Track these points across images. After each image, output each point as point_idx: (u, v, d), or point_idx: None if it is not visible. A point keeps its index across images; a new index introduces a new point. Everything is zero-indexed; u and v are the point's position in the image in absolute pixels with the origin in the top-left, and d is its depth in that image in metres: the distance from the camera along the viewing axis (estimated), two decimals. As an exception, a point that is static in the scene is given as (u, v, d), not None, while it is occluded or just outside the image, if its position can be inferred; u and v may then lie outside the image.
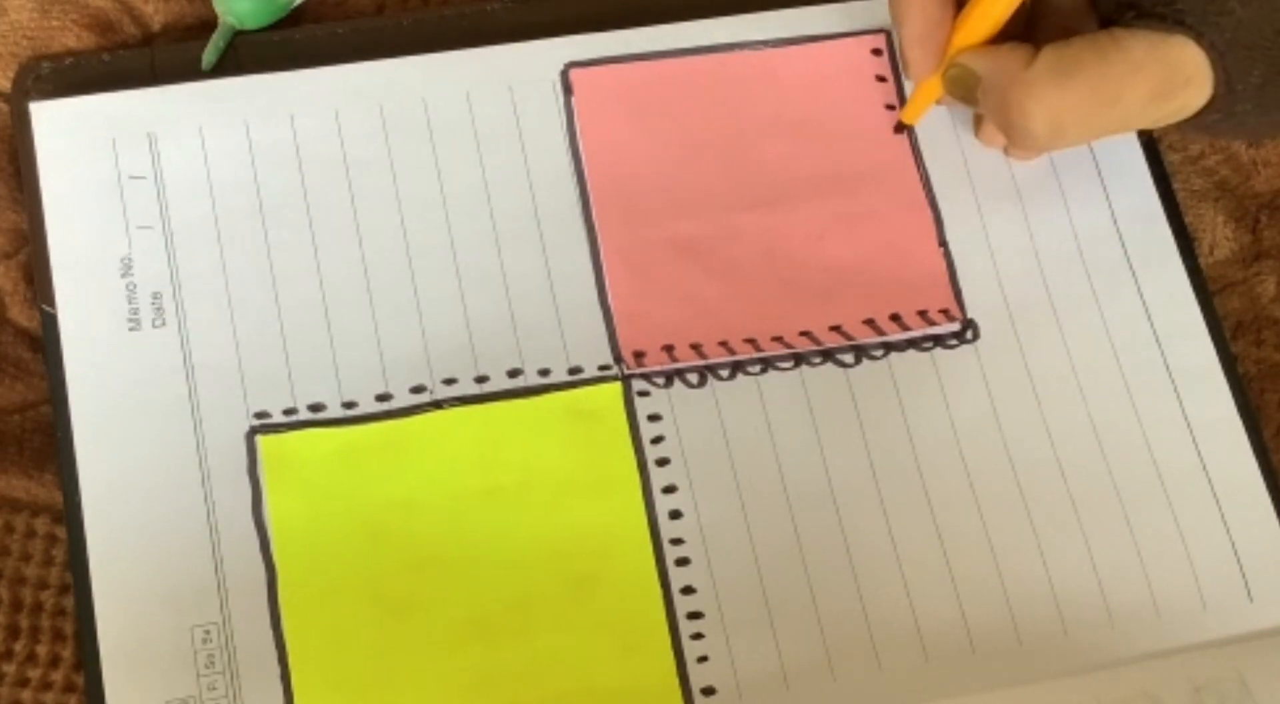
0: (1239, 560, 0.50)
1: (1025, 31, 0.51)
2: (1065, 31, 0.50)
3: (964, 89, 0.50)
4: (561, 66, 0.54)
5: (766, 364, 0.52)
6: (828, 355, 0.52)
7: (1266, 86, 0.47)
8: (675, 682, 0.48)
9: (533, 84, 0.54)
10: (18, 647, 0.48)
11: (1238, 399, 0.52)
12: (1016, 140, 0.49)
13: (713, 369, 0.51)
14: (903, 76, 0.53)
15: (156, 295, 0.50)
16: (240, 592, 0.48)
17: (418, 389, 0.50)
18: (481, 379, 0.51)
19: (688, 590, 0.49)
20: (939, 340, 0.53)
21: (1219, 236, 0.55)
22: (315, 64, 0.54)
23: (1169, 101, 0.47)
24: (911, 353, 0.52)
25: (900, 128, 0.54)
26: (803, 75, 0.55)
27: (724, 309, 0.52)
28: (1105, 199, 0.55)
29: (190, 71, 0.53)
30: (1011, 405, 0.52)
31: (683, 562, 0.49)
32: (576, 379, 0.51)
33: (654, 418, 0.51)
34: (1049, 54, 0.48)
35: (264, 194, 0.52)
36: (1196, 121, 0.48)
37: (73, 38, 0.54)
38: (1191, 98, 0.47)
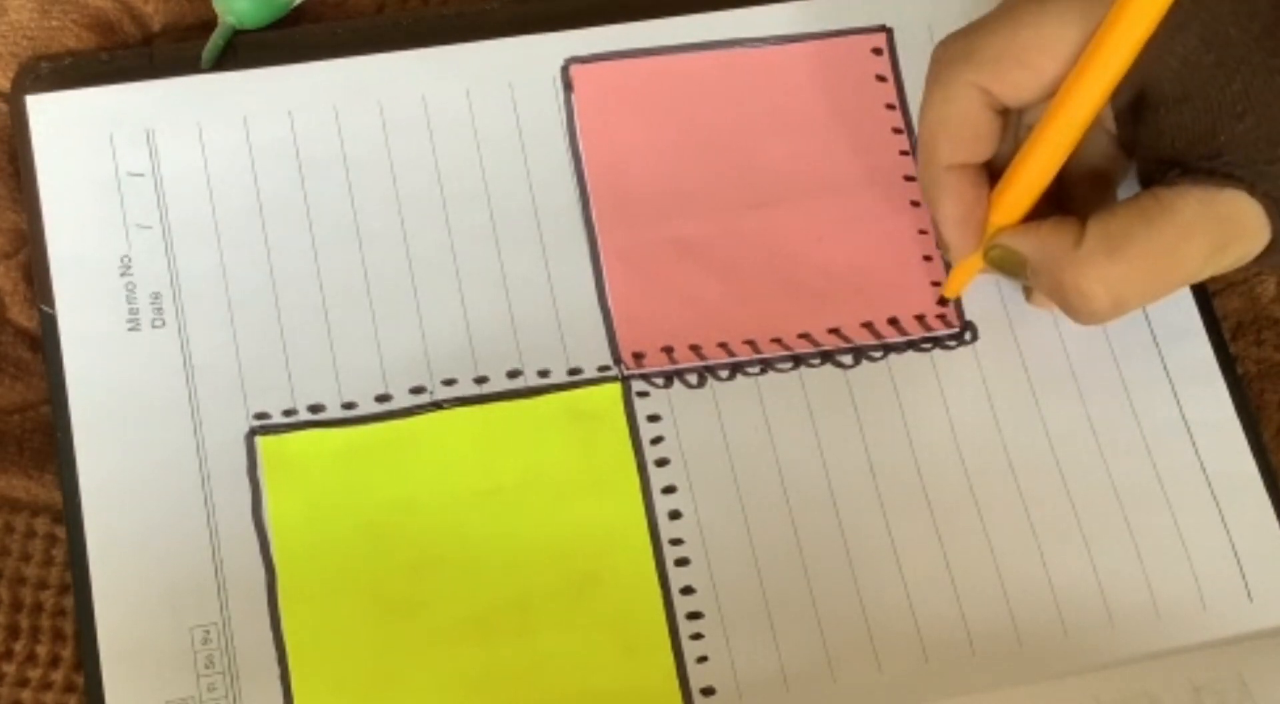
0: (1239, 561, 0.50)
1: (1055, 181, 0.49)
2: (1097, 176, 0.49)
3: (1010, 267, 0.49)
4: (562, 62, 0.54)
5: (766, 365, 0.52)
6: (827, 356, 0.52)
7: None
8: (675, 682, 0.48)
9: (533, 81, 0.54)
10: (18, 647, 0.48)
11: (1237, 399, 0.52)
12: (1077, 318, 0.48)
13: (712, 370, 0.51)
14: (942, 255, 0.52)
15: (156, 296, 0.50)
16: (240, 592, 0.48)
17: (417, 390, 0.50)
18: (481, 380, 0.51)
19: (687, 591, 0.49)
20: (938, 342, 0.53)
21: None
22: (314, 61, 0.54)
23: (1227, 254, 0.46)
24: (910, 354, 0.52)
25: (943, 301, 0.53)
26: (803, 74, 0.55)
27: (723, 310, 0.52)
28: (1105, 200, 0.55)
29: (189, 71, 0.53)
30: (1010, 407, 0.52)
31: (682, 562, 0.49)
32: (576, 380, 0.51)
33: (653, 418, 0.51)
34: (1096, 229, 0.46)
35: (263, 192, 0.52)
36: (1257, 263, 0.47)
37: (73, 38, 0.54)
38: (1250, 247, 0.46)
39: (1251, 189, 0.45)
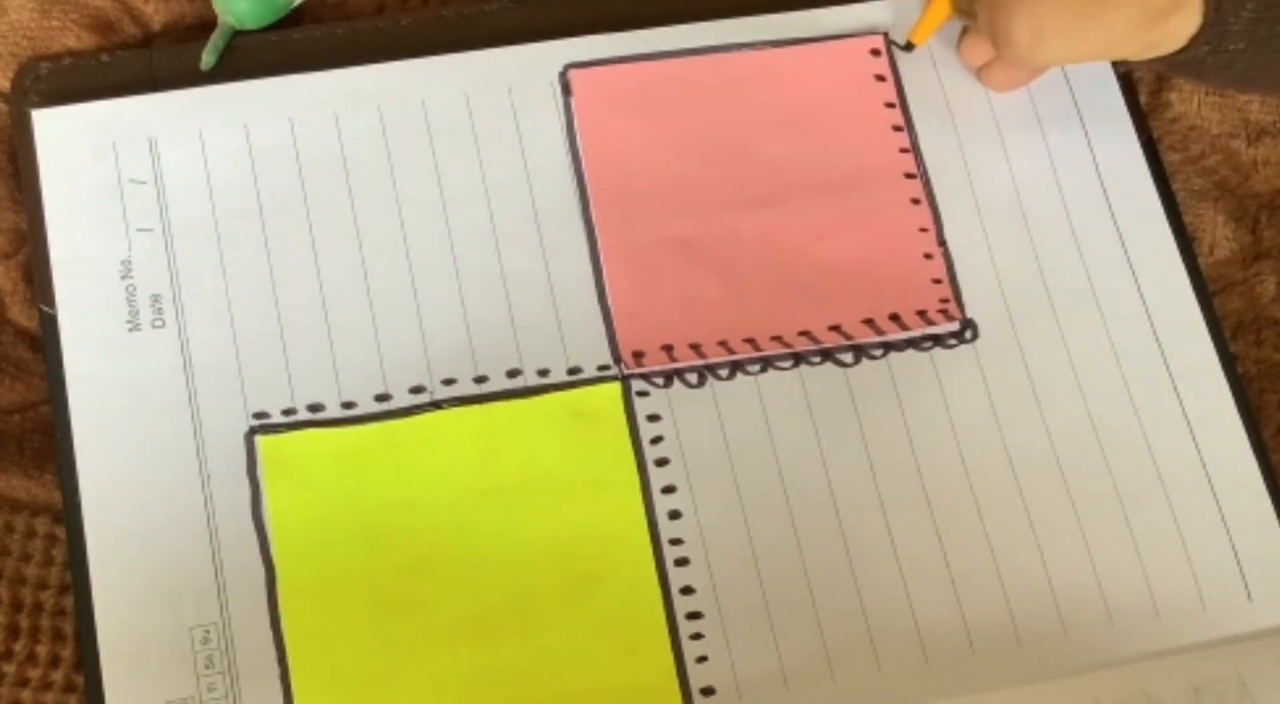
0: (1238, 560, 0.50)
1: None
2: None
3: (966, 7, 0.51)
4: (560, 68, 0.54)
5: (766, 364, 0.52)
6: (827, 355, 0.52)
7: (1259, 23, 0.46)
8: (674, 682, 0.48)
9: (532, 85, 0.54)
10: (18, 647, 0.48)
11: (1237, 399, 0.52)
12: (1000, 46, 0.50)
13: (712, 369, 0.51)
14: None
15: (156, 297, 0.51)
16: (240, 592, 0.48)
17: (417, 389, 0.50)
18: (480, 379, 0.51)
19: (687, 591, 0.49)
20: (938, 340, 0.53)
21: (1219, 236, 0.55)
22: (314, 66, 0.54)
23: (1156, 25, 0.47)
24: (911, 352, 0.52)
25: (909, 47, 0.55)
26: (802, 76, 0.55)
27: (723, 309, 0.52)
28: (1105, 199, 0.55)
29: (189, 73, 0.53)
30: (1011, 405, 0.52)
31: (682, 562, 0.49)
32: (576, 379, 0.51)
33: (653, 418, 0.51)
34: None
35: (264, 197, 0.52)
36: (1185, 55, 0.48)
37: (73, 38, 0.54)
38: (1180, 25, 0.46)
39: None
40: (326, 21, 0.55)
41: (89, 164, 0.52)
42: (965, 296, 0.53)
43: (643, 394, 0.51)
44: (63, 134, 0.52)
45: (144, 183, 0.52)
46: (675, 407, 0.51)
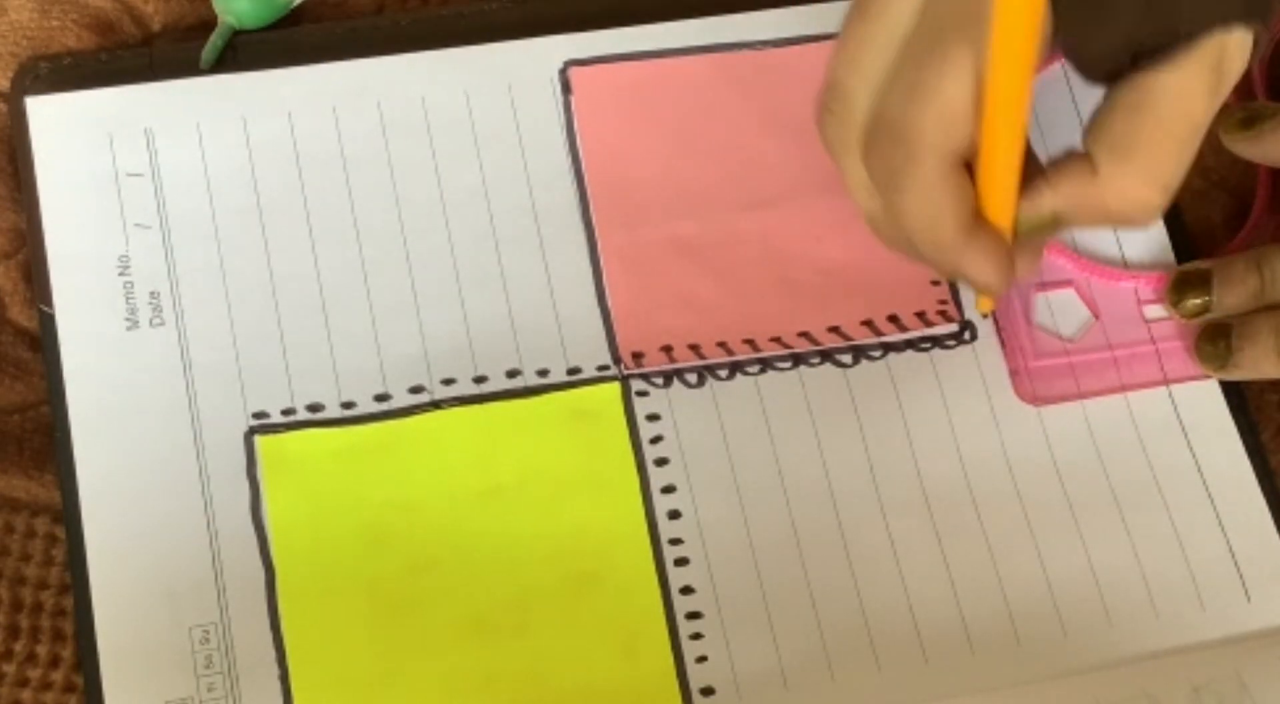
0: (1236, 562, 0.50)
1: None
2: None
3: (1044, 230, 0.46)
4: (561, 64, 0.54)
5: (765, 364, 0.52)
6: (826, 356, 0.52)
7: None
8: (674, 682, 0.48)
9: (532, 83, 0.54)
10: (18, 647, 0.48)
11: (1235, 400, 0.52)
12: (1138, 227, 0.46)
13: (711, 369, 0.51)
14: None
15: (154, 294, 0.50)
16: (239, 592, 0.48)
17: (416, 389, 0.50)
18: (480, 379, 0.51)
19: (686, 590, 0.49)
20: (937, 341, 0.53)
21: (1219, 237, 0.55)
22: (314, 61, 0.54)
23: (1224, 85, 0.43)
24: (910, 353, 0.52)
25: (987, 315, 0.53)
26: (802, 75, 0.55)
27: (722, 309, 0.52)
28: (1104, 199, 0.55)
29: (188, 71, 0.53)
30: (1009, 406, 0.52)
31: (681, 562, 0.49)
32: (575, 379, 0.51)
33: (652, 418, 0.51)
34: (1100, 144, 0.44)
35: (262, 192, 0.52)
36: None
37: (73, 38, 0.54)
38: (1239, 64, 0.43)
39: (1224, 25, 0.42)
40: (327, 21, 0.55)
41: (85, 155, 0.52)
42: (963, 297, 0.53)
43: (642, 394, 0.51)
44: (58, 123, 0.52)
45: (141, 176, 0.52)
46: (675, 407, 0.51)
